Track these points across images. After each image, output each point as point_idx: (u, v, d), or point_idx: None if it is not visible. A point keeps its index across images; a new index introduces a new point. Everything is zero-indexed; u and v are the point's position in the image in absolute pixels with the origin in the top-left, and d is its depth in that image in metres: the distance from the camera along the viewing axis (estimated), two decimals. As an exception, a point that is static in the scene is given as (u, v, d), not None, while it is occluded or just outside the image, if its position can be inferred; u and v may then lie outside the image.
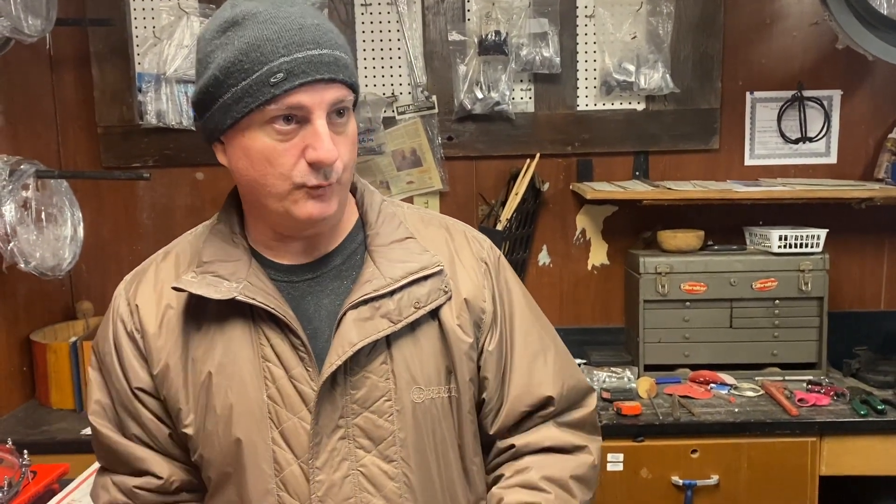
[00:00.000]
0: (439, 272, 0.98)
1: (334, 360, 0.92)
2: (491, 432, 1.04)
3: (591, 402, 1.09)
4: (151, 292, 0.99)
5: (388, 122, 2.25)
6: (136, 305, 0.99)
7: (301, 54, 0.86)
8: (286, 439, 0.94)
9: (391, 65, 2.25)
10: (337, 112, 0.90)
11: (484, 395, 1.02)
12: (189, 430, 0.96)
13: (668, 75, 2.22)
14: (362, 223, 1.03)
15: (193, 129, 2.23)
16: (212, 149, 0.97)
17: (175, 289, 0.95)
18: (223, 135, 0.93)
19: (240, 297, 0.92)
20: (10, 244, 1.75)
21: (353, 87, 0.92)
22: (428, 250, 1.00)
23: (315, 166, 0.88)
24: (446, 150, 2.28)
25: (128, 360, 0.98)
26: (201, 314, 0.96)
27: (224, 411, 0.95)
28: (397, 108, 2.25)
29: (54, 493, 1.44)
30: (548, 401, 1.03)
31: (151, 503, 1.00)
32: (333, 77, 0.88)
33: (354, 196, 1.05)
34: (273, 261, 0.99)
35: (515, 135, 2.27)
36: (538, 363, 1.04)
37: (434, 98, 2.24)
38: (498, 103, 2.20)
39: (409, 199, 2.28)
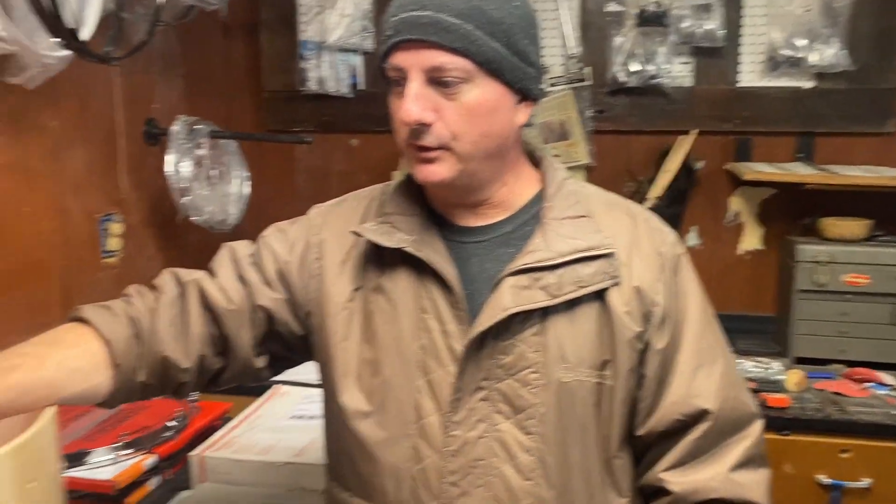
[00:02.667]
0: (609, 255, 0.97)
1: (484, 322, 0.94)
2: (639, 433, 1.00)
3: (756, 430, 1.01)
4: (341, 223, 1.08)
5: (539, 94, 2.24)
6: (325, 227, 1.07)
7: (406, 14, 0.90)
8: (432, 389, 0.96)
9: (545, 35, 2.23)
10: (440, 81, 0.91)
11: (638, 393, 0.99)
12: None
13: (843, 51, 2.07)
14: (541, 195, 1.04)
15: (352, 96, 2.31)
16: None
17: (353, 233, 1.03)
18: None
19: (408, 249, 0.98)
20: (186, 198, 1.89)
21: (463, 52, 0.90)
22: (601, 231, 0.99)
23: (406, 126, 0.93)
24: (596, 124, 2.24)
25: (296, 258, 1.06)
26: (378, 257, 1.02)
27: (378, 352, 0.99)
28: (549, 79, 2.23)
29: (216, 430, 1.57)
30: (703, 414, 0.97)
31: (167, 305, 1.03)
32: (424, 38, 0.89)
33: (538, 168, 1.07)
34: (448, 220, 1.04)
35: (670, 110, 2.20)
36: (702, 374, 0.99)
37: (587, 70, 2.21)
38: (654, 76, 2.14)
39: (555, 173, 2.27)
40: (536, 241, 0.98)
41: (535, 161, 1.08)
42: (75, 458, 1.35)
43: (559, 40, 2.22)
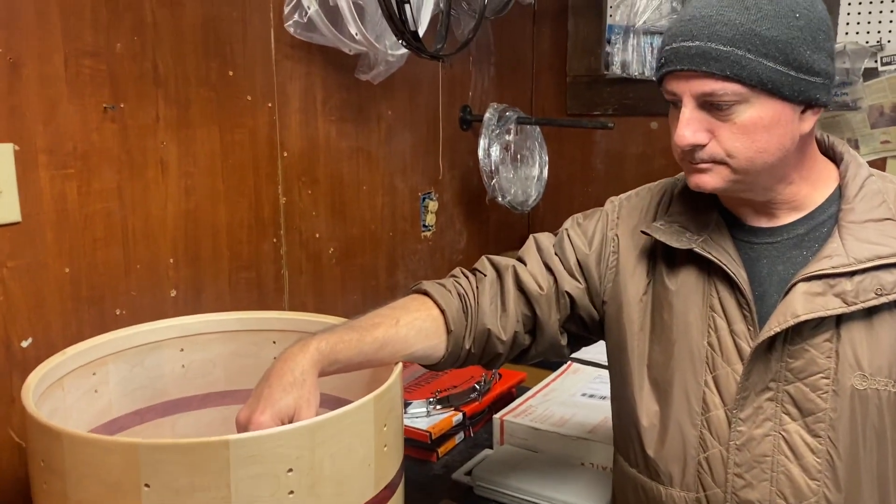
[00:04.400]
0: None
1: (773, 327, 0.94)
2: None
3: None
4: (635, 217, 1.14)
5: (869, 73, 2.03)
6: (621, 222, 1.14)
7: (676, 45, 0.93)
8: (717, 385, 1.00)
9: (881, 9, 2.01)
10: (713, 105, 0.91)
11: None
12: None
13: None
14: (839, 195, 1.00)
15: (654, 79, 2.29)
16: None
17: (643, 233, 1.08)
18: None
19: (697, 249, 1.01)
20: (493, 180, 2.04)
21: (743, 80, 0.89)
22: None
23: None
24: (938, 107, 1.98)
25: (594, 252, 1.13)
26: (668, 254, 1.06)
27: (668, 345, 1.04)
28: (882, 58, 2.01)
29: (512, 396, 1.70)
30: None
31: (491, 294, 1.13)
32: (694, 69, 0.90)
33: (838, 166, 1.02)
34: (738, 220, 1.04)
35: None
36: None
37: (932, 46, 1.95)
38: None
39: (881, 162, 2.05)
40: (833, 245, 0.95)
41: (835, 156, 1.04)
42: (398, 406, 1.55)
43: (899, 13, 1.99)
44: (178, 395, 1.22)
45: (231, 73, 1.47)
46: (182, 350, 1.21)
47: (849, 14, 2.04)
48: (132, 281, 1.34)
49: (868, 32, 2.03)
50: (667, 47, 0.95)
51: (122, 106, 1.29)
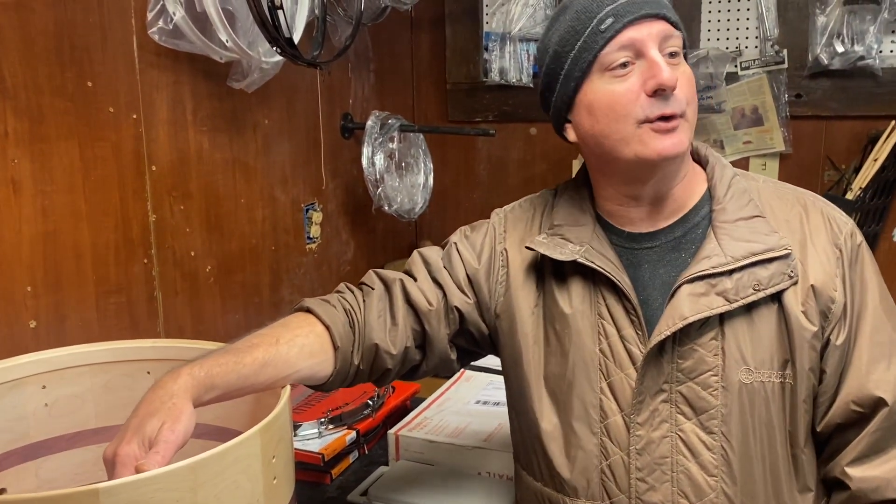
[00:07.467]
0: (786, 256, 0.95)
1: (663, 330, 0.96)
2: (818, 429, 1.00)
3: None
4: (521, 230, 1.13)
5: (730, 78, 2.14)
6: (508, 235, 1.13)
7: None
8: (613, 391, 1.01)
9: (738, 17, 2.12)
10: (669, 53, 0.95)
11: (819, 388, 0.99)
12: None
13: None
14: (710, 197, 1.03)
15: (531, 86, 2.33)
16: (563, 137, 1.05)
17: (527, 248, 1.07)
18: (570, 110, 1.01)
19: (580, 260, 1.02)
20: (379, 189, 2.00)
21: (679, 28, 0.96)
22: (776, 231, 0.97)
23: (657, 94, 0.93)
24: (793, 109, 2.11)
25: (483, 266, 1.11)
26: (555, 264, 1.06)
27: (562, 356, 1.04)
28: (741, 63, 2.13)
29: (408, 410, 1.66)
30: (878, 403, 0.96)
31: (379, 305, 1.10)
32: (657, 13, 0.93)
33: (705, 169, 1.06)
34: (617, 227, 1.05)
35: (880, 93, 2.02)
36: (880, 365, 0.97)
37: (784, 52, 2.08)
38: (862, 58, 1.97)
39: (745, 161, 2.17)
40: (710, 245, 0.98)
41: (700, 159, 1.08)
42: (288, 429, 1.49)
43: (755, 22, 2.11)
44: (43, 436, 1.11)
45: (90, 84, 1.36)
46: (44, 387, 1.10)
47: (709, 21, 2.14)
48: (-17, 313, 1.21)
49: (728, 39, 2.14)
50: (611, 6, 0.94)
51: (-38, 120, 1.16)
